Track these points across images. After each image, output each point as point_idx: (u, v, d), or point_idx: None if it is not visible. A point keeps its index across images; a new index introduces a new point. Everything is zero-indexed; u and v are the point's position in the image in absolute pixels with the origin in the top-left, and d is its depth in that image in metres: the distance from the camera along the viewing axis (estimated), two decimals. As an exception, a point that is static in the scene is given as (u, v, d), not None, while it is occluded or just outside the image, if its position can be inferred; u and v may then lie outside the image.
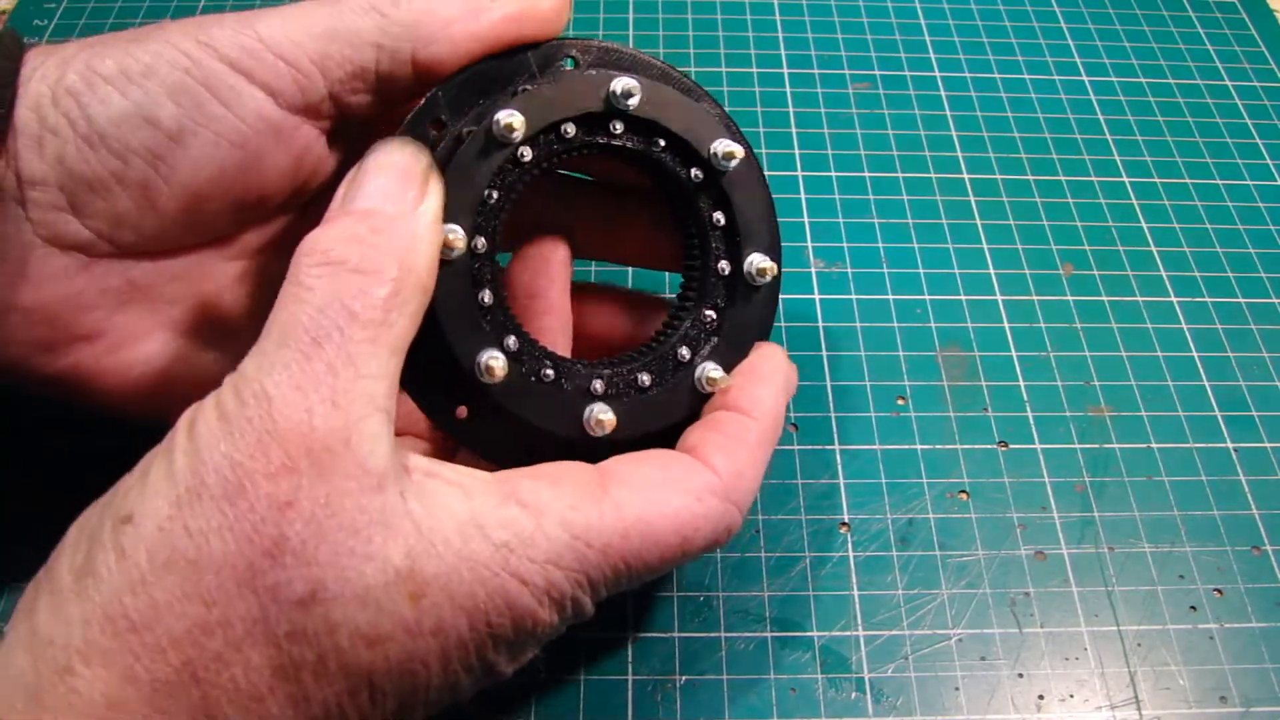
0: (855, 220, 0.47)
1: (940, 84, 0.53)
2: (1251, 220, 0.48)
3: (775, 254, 0.31)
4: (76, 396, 0.30)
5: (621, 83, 0.29)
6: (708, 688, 0.33)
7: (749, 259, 0.31)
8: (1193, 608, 0.35)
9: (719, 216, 0.31)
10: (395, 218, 0.25)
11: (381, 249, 0.24)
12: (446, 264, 0.27)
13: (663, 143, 0.30)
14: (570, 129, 0.29)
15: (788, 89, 0.52)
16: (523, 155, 0.29)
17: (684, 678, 0.33)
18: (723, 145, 0.30)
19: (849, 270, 0.45)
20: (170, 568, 0.21)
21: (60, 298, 0.28)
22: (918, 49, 0.55)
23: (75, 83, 0.27)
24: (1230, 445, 0.40)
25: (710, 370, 0.30)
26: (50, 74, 0.27)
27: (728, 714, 0.32)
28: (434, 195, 0.26)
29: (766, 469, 0.29)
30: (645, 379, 0.30)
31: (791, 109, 0.51)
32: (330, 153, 0.31)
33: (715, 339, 0.31)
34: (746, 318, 0.31)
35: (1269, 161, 0.50)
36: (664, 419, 0.30)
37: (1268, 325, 0.44)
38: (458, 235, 0.27)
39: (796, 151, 0.49)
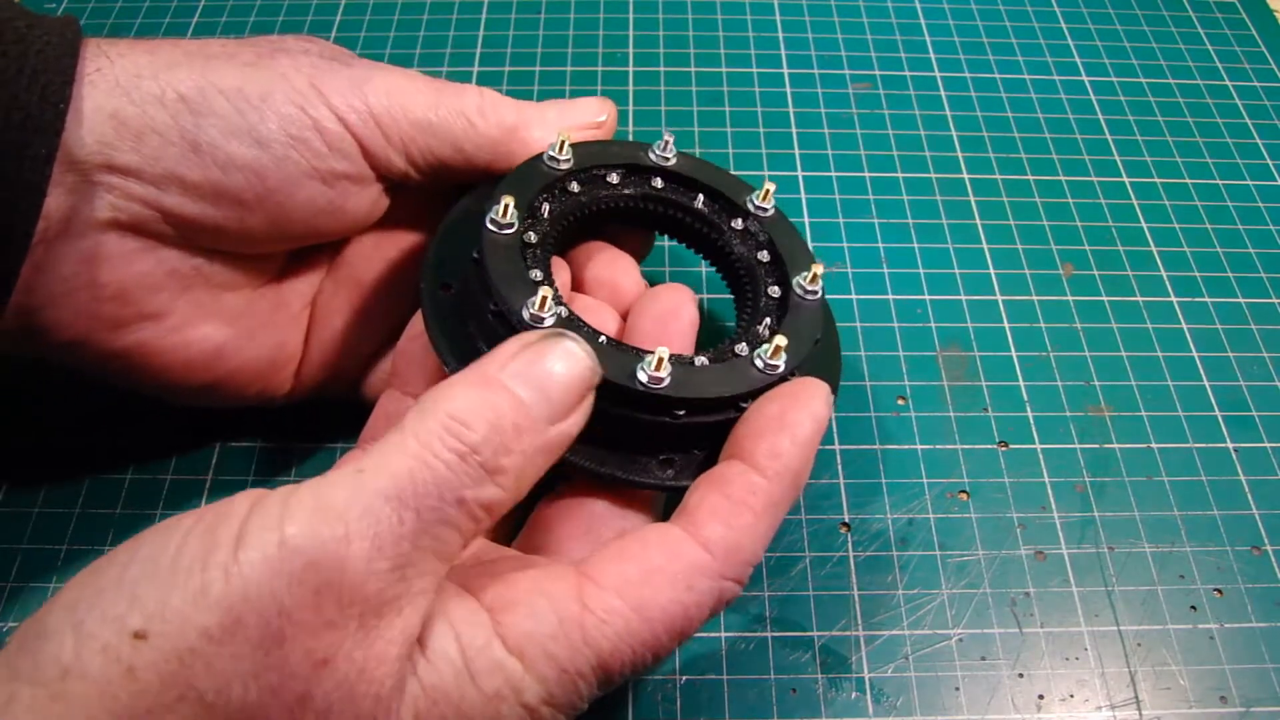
0: (855, 220, 0.47)
1: (940, 84, 0.53)
2: (1251, 220, 0.48)
3: (815, 262, 0.33)
4: (132, 374, 0.31)
5: (660, 141, 0.34)
6: (708, 688, 0.33)
7: (796, 279, 0.32)
8: (1193, 608, 0.35)
9: (763, 255, 0.34)
10: (537, 430, 0.25)
11: (514, 456, 0.24)
12: (495, 233, 0.29)
13: (701, 197, 0.35)
14: (614, 177, 0.34)
15: (788, 89, 0.52)
16: (571, 186, 0.33)
17: (684, 678, 0.33)
18: (758, 193, 0.34)
19: (849, 270, 0.45)
20: (184, 702, 0.20)
21: (130, 276, 0.29)
22: (918, 49, 0.55)
23: (189, 90, 0.28)
24: (1230, 445, 0.40)
25: (770, 345, 0.29)
26: (141, 67, 0.28)
27: (728, 714, 0.32)
28: (578, 414, 0.26)
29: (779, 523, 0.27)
30: (702, 361, 0.30)
31: (791, 109, 0.51)
32: (384, 202, 0.33)
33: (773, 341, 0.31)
34: (803, 322, 0.32)
35: (1269, 161, 0.50)
36: (713, 387, 0.29)
37: (1268, 325, 0.44)
38: (510, 206, 0.29)
39: (796, 151, 0.49)
